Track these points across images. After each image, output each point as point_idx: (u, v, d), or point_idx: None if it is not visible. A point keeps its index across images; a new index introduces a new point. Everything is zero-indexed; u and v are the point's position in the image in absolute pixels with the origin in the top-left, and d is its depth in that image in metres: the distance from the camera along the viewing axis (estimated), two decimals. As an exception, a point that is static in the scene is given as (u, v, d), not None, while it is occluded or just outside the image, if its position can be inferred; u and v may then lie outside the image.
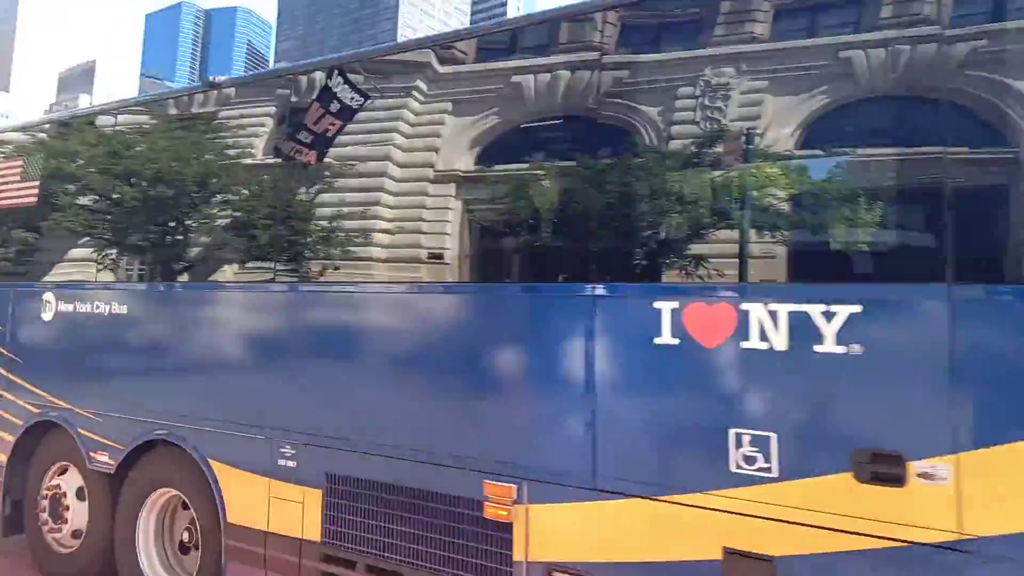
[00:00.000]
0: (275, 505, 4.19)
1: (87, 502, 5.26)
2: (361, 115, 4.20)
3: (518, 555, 3.39)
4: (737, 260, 3.04)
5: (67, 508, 5.40)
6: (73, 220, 5.60)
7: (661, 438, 3.10)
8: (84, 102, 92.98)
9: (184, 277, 5.00)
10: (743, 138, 3.06)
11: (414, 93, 4.01)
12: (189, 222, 5.01)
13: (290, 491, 4.14)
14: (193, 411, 4.59)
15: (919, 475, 2.57)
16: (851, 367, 2.70)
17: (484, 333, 3.66)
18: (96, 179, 5.56)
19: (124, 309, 5.05)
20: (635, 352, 3.16)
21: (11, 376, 5.64)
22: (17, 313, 5.73)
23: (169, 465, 4.77)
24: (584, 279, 3.37)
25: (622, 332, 3.23)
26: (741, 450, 2.89)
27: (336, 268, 4.21)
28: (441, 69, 3.98)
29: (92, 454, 5.08)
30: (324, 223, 4.30)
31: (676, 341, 3.06)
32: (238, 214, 4.79)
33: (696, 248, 3.16)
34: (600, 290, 3.28)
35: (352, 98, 4.18)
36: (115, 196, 5.43)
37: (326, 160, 4.31)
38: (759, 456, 2.86)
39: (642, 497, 3.11)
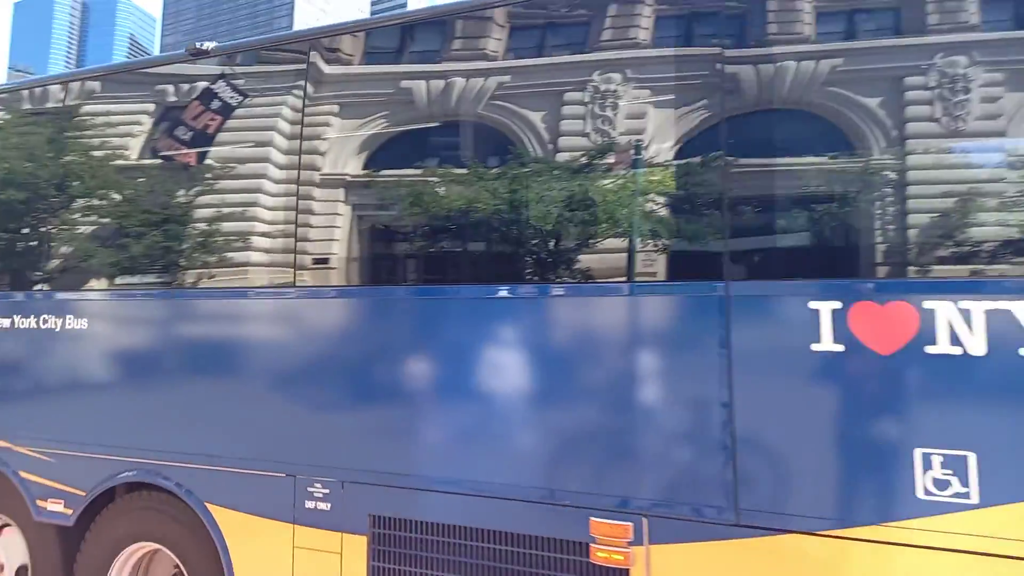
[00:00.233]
0: (302, 557, 3.46)
1: (31, 569, 4.29)
2: (241, 112, 3.88)
3: (637, 607, 2.86)
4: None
5: None
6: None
7: (825, 462, 2.64)
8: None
9: (162, 279, 4.14)
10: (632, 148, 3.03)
11: (295, 91, 3.71)
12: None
13: (323, 539, 3.43)
14: (184, 444, 3.77)
15: None
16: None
17: (596, 339, 3.09)
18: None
19: (82, 322, 4.13)
20: (787, 361, 2.70)
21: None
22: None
23: (149, 513, 3.92)
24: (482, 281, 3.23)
25: (768, 338, 2.75)
26: (930, 473, 2.48)
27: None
28: (327, 69, 3.71)
29: (41, 503, 4.14)
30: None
31: (841, 347, 2.61)
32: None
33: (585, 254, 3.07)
34: (736, 289, 2.79)
35: (231, 95, 3.93)
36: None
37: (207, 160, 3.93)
38: (954, 480, 2.45)
39: (800, 532, 2.64)
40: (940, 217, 2.64)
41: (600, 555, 2.91)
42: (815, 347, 2.64)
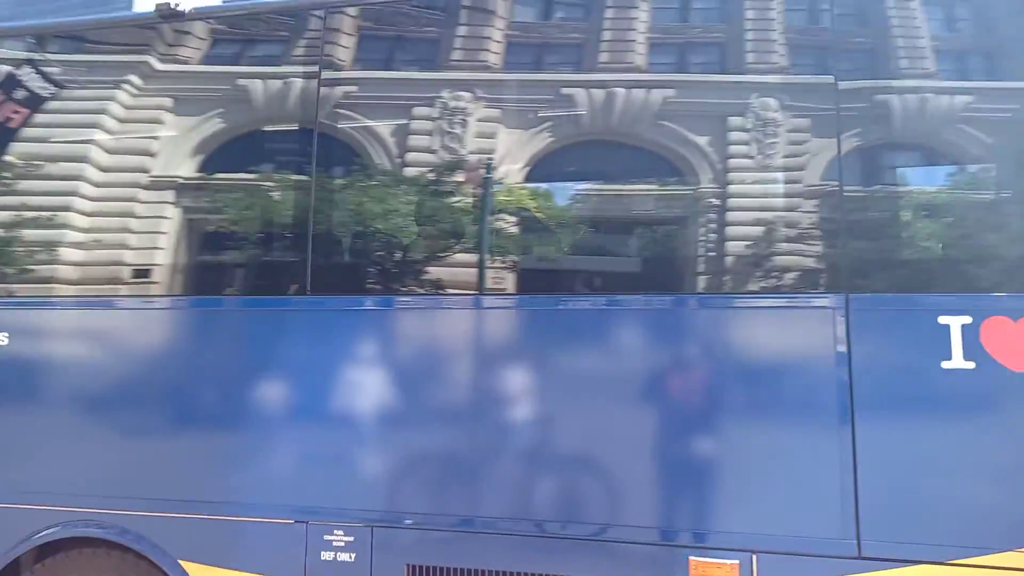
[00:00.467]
0: (317, 621, 2.86)
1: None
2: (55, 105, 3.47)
3: (745, 655, 2.56)
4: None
5: None
6: None
7: (956, 486, 2.47)
8: None
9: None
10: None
11: (125, 85, 3.37)
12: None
13: (347, 598, 2.85)
14: (146, 488, 3.04)
15: None
16: None
17: (666, 352, 2.77)
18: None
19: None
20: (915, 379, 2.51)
21: None
22: None
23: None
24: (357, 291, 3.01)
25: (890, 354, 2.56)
26: (1073, 491, 2.38)
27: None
28: (159, 66, 3.39)
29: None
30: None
31: (971, 364, 2.46)
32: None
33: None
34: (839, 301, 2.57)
35: (40, 84, 3.46)
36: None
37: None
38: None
39: (931, 563, 2.45)
40: None
41: (702, 599, 2.58)
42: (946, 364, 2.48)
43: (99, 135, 3.37)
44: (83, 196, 3.32)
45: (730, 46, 2.92)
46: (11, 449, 3.21)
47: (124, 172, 3.36)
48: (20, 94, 3.44)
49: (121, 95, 3.37)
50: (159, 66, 3.37)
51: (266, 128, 3.33)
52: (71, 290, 3.29)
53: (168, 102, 3.35)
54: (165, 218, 3.26)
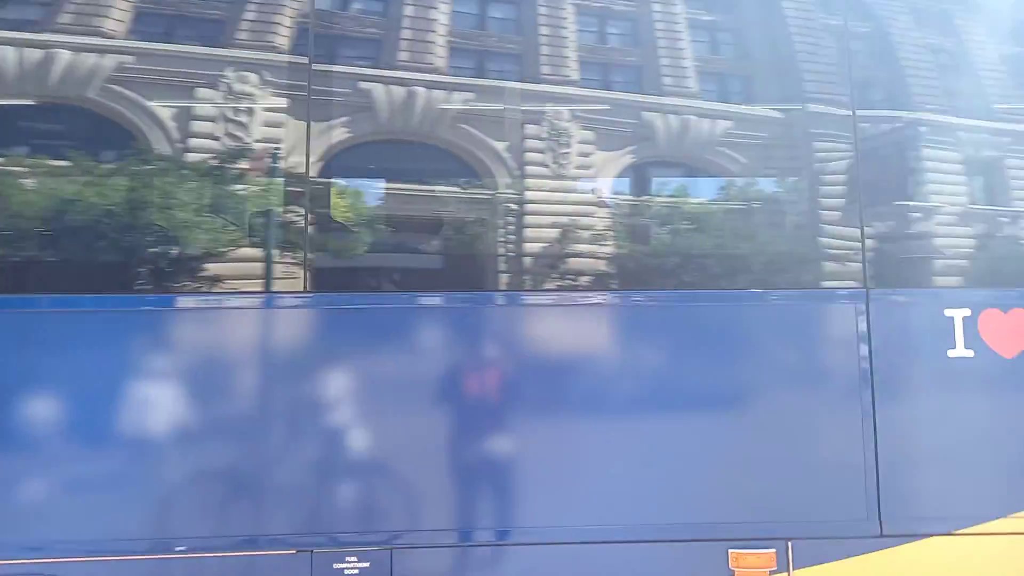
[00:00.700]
0: (328, 661, 2.51)
1: None
2: None
3: (782, 638, 2.63)
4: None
5: None
6: None
7: (958, 463, 2.71)
8: None
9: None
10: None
11: None
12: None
13: (363, 632, 2.53)
14: (109, 529, 2.49)
15: None
16: None
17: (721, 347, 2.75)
18: None
19: None
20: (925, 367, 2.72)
21: None
22: None
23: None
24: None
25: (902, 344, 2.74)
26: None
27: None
28: None
29: None
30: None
31: (971, 353, 2.71)
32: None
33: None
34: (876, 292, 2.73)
35: None
36: None
37: None
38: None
39: (939, 535, 2.68)
40: None
41: (743, 589, 2.62)
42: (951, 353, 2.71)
43: None
44: None
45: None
46: None
47: None
48: None
49: None
50: None
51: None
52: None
53: None
54: None
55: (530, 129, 2.82)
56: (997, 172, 2.97)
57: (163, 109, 2.66)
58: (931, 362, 2.71)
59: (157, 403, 2.51)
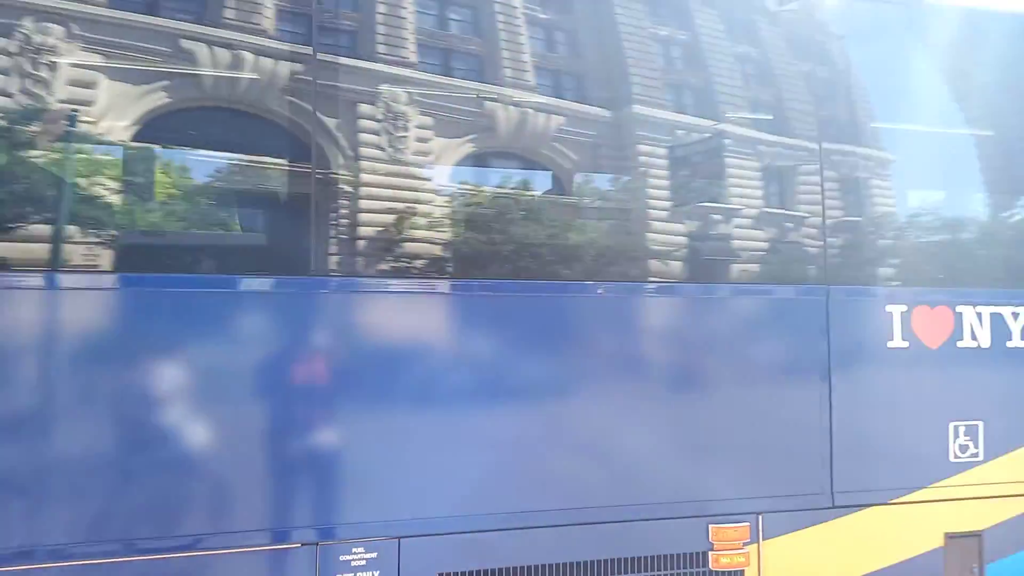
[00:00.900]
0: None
1: None
2: None
3: (752, 603, 2.88)
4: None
5: None
6: None
7: (893, 440, 3.09)
8: None
9: None
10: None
11: None
12: None
13: (370, 623, 2.48)
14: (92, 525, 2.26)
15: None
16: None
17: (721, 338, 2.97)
18: None
19: None
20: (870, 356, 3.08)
21: None
22: None
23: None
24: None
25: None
26: (958, 441, 3.15)
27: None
28: None
29: None
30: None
31: (906, 344, 3.11)
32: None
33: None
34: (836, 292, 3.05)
35: None
36: None
37: None
38: (970, 444, 3.17)
39: (877, 505, 3.05)
40: None
41: (722, 562, 2.84)
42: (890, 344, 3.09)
43: None
44: None
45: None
46: None
47: None
48: None
49: None
50: None
51: None
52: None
53: None
54: None
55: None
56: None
57: None
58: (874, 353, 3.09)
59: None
